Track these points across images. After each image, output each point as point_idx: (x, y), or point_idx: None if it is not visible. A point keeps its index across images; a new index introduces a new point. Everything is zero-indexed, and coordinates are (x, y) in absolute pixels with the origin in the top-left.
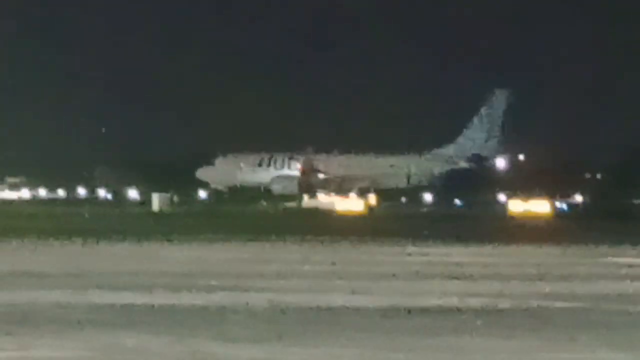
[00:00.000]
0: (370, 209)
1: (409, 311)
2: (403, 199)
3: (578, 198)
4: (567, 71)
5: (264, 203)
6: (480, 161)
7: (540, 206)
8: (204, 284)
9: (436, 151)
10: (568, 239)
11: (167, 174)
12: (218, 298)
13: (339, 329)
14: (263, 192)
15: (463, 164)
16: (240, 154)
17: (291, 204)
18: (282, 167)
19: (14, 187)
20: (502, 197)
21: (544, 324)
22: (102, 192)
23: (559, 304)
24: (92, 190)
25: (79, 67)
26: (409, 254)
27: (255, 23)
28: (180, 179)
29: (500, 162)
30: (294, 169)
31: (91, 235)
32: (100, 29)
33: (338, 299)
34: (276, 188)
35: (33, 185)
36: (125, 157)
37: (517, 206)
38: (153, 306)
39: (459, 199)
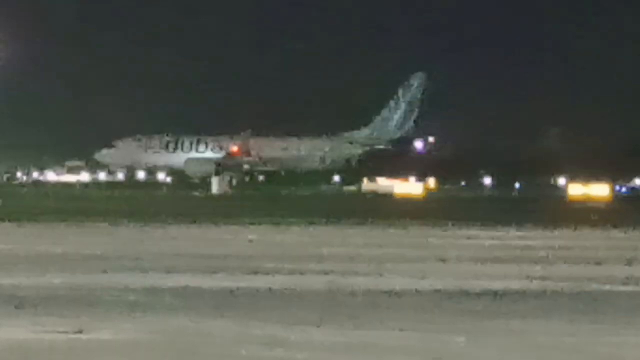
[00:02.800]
0: (429, 192)
1: (471, 294)
2: (462, 183)
3: (638, 182)
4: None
5: (324, 186)
6: (398, 143)
7: (600, 190)
8: (267, 266)
9: (351, 133)
10: (630, 222)
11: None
12: (282, 281)
13: (402, 312)
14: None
15: (379, 146)
16: (143, 136)
17: (351, 188)
18: (190, 149)
19: (74, 170)
20: (561, 180)
21: (605, 308)
22: (161, 175)
23: (622, 288)
24: (151, 173)
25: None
26: (469, 237)
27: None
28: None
29: (418, 144)
30: (202, 151)
31: (153, 218)
32: None
33: (400, 282)
34: (191, 170)
35: (92, 169)
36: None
37: (576, 190)
38: (217, 289)
39: (519, 182)
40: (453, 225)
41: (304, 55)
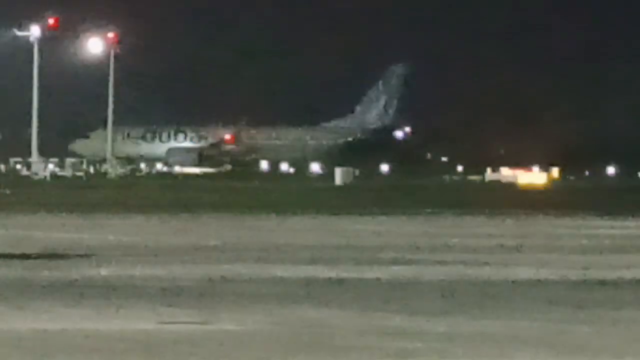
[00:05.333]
0: (553, 181)
1: (595, 284)
2: (586, 172)
3: None
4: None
5: (448, 177)
6: (378, 133)
7: None
8: (387, 257)
9: (331, 124)
10: None
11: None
12: (401, 271)
13: (524, 302)
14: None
15: (359, 137)
16: (119, 126)
17: (474, 177)
18: (169, 139)
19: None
20: None
21: None
22: (284, 166)
23: None
24: (275, 164)
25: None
26: (592, 227)
27: None
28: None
29: (398, 134)
30: (181, 141)
31: (276, 208)
32: None
33: (522, 272)
34: (173, 160)
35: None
36: None
37: None
38: (337, 279)
39: None
40: (576, 214)
41: (283, 46)
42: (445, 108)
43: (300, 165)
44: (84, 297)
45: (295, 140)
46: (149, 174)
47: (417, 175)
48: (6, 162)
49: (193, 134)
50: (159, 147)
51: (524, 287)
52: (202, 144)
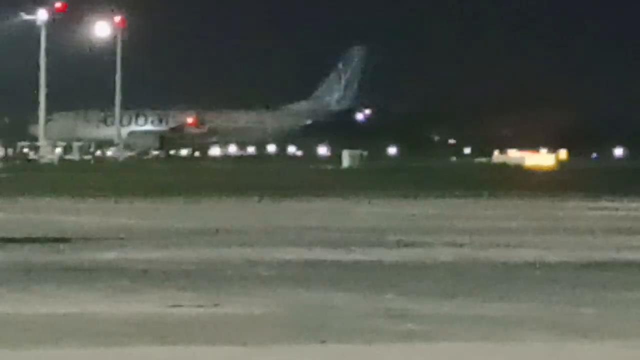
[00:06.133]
0: (560, 163)
1: (601, 265)
2: (594, 154)
3: None
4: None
5: (454, 158)
6: (338, 115)
7: None
8: (392, 239)
9: (291, 106)
10: None
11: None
12: (406, 254)
13: (529, 284)
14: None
15: (320, 119)
16: (81, 110)
17: (481, 159)
18: (129, 123)
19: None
20: None
21: None
22: (291, 149)
23: None
24: (282, 148)
25: None
26: (600, 209)
27: None
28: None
29: (359, 116)
30: (141, 125)
31: (283, 191)
32: None
33: (528, 254)
34: (134, 143)
35: (222, 143)
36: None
37: None
38: (341, 262)
39: None
40: (583, 196)
41: (243, 28)
42: (451, 90)
43: (308, 148)
44: (93, 280)
45: (257, 123)
46: (157, 157)
47: (425, 157)
48: (14, 146)
49: (154, 118)
50: (120, 131)
51: (529, 268)
52: (163, 127)
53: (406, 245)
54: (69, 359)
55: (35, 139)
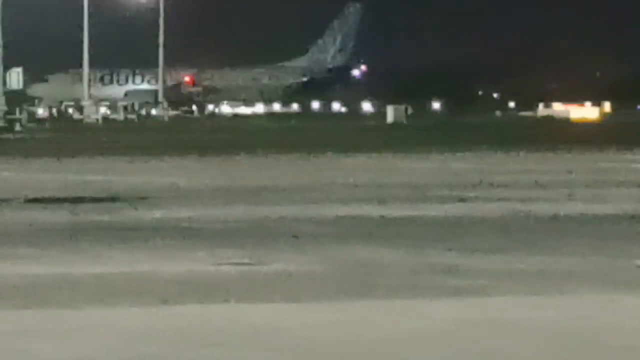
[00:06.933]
0: (605, 116)
1: None
2: (638, 107)
3: None
4: None
5: (498, 112)
6: (335, 72)
7: None
8: (439, 195)
9: (287, 64)
10: None
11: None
12: (453, 209)
13: (579, 237)
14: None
15: (316, 76)
16: (73, 70)
17: (526, 113)
18: (126, 82)
19: (249, 102)
20: None
21: None
22: (336, 106)
23: None
24: (326, 105)
25: None
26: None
27: None
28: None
29: (355, 72)
30: (138, 84)
31: (327, 148)
32: None
33: (577, 207)
34: (132, 102)
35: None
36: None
37: None
38: (389, 218)
39: None
40: (630, 148)
41: None
42: (497, 43)
43: (353, 104)
44: (138, 240)
45: (254, 81)
46: (201, 115)
47: (469, 112)
48: (59, 106)
49: (151, 76)
50: (117, 90)
51: (578, 222)
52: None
53: (461, 199)
54: (121, 317)
55: (35, 99)
